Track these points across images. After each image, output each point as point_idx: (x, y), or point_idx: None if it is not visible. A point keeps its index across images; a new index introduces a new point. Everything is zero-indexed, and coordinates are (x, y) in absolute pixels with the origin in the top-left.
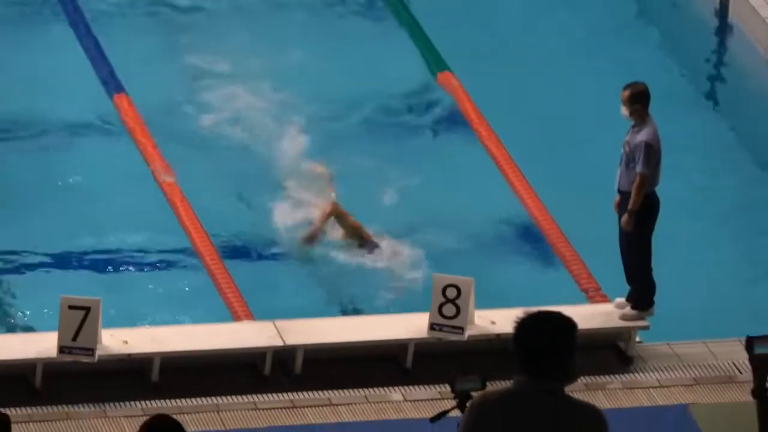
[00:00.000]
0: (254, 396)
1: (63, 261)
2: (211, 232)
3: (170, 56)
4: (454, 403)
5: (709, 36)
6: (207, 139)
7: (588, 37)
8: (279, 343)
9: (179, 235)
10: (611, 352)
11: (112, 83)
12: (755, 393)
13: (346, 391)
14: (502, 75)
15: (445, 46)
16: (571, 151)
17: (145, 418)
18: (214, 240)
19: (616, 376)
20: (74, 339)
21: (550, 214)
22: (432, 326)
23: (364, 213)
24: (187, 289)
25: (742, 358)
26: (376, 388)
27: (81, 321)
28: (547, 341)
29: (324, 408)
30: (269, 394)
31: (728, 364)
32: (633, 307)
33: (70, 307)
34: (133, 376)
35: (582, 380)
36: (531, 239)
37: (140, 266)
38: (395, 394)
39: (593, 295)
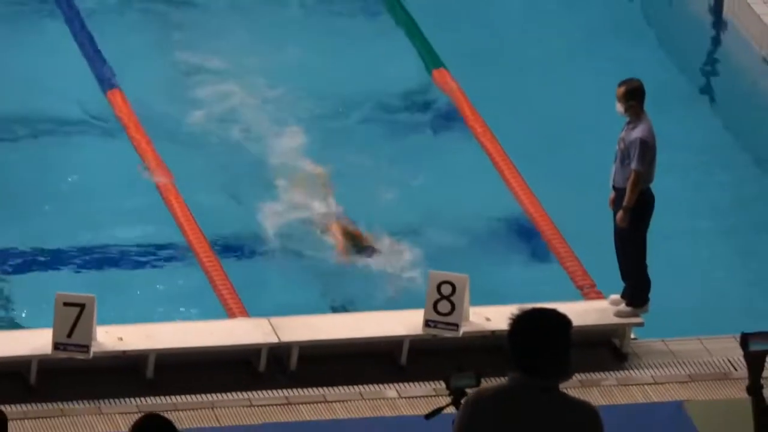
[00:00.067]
0: (249, 393)
1: (58, 258)
2: (206, 229)
3: (165, 53)
4: (449, 399)
5: (704, 33)
6: (203, 137)
7: (584, 34)
8: (274, 339)
9: (174, 232)
10: (606, 349)
11: (107, 80)
12: (750, 390)
13: (341, 387)
14: (497, 72)
15: (441, 43)
16: (567, 147)
17: (140, 415)
18: (209, 236)
19: (611, 372)
20: (69, 336)
21: (545, 211)
22: (427, 323)
23: (360, 210)
24: (182, 285)
25: (737, 354)
26: (370, 385)
27: (76, 318)
28: (541, 338)
29: (319, 405)
30: (264, 391)
31: (723, 360)
32: (628, 304)
33: (65, 304)
34: (128, 373)
35: (577, 377)
36: (526, 236)
37: (135, 263)
38: (390, 391)
39: (588, 291)
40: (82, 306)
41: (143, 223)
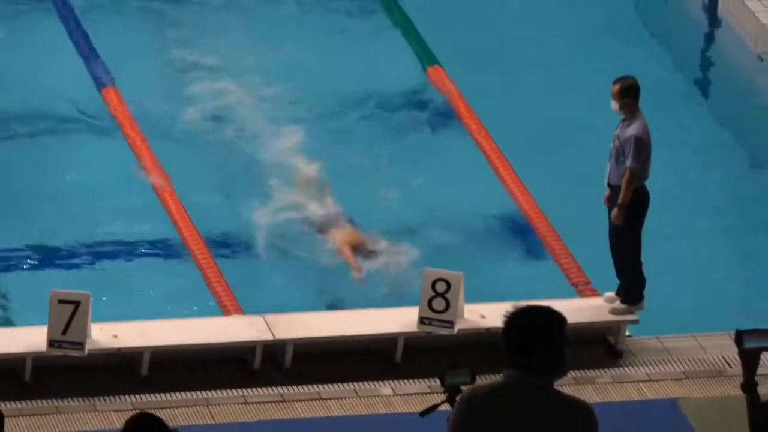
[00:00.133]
0: (244, 390)
1: (53, 255)
2: (201, 227)
3: (161, 51)
4: (443, 397)
5: (698, 30)
6: (198, 135)
7: (579, 32)
8: (269, 337)
9: (169, 229)
10: (601, 346)
11: (102, 78)
12: (745, 387)
13: (335, 385)
14: (492, 69)
15: (438, 41)
16: (562, 145)
17: (134, 412)
18: (204, 234)
19: (606, 370)
20: (64, 333)
21: (540, 208)
22: (422, 320)
23: (355, 208)
24: (176, 283)
25: (732, 352)
26: (365, 383)
27: (71, 315)
28: (536, 336)
29: (314, 402)
30: (259, 388)
31: (718, 358)
32: (622, 301)
33: (60, 302)
34: (122, 371)
35: (571, 374)
36: (521, 233)
37: (130, 260)
38: (385, 388)
39: (583, 289)
40: (77, 303)
41: (138, 221)
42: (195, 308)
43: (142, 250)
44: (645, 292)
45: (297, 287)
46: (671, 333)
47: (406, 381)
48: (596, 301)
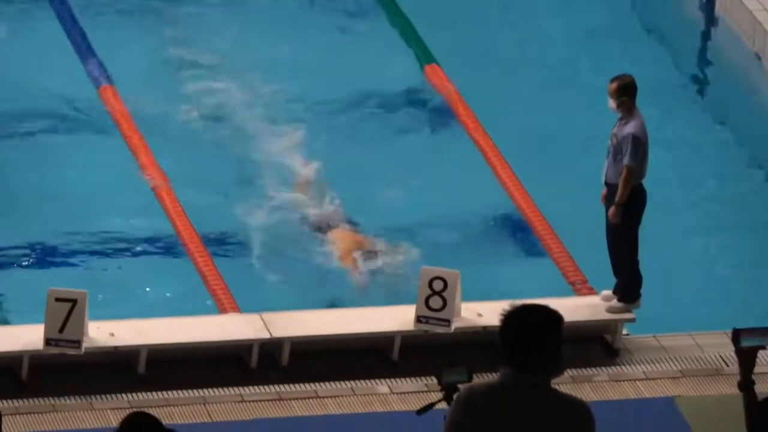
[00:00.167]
0: (241, 388)
1: (49, 253)
2: (198, 225)
3: (159, 49)
4: (440, 395)
5: (695, 29)
6: (196, 134)
7: (577, 31)
8: (266, 335)
9: (166, 228)
10: (598, 345)
11: (98, 76)
12: (742, 386)
13: (332, 383)
14: (490, 69)
15: (436, 39)
16: (559, 143)
17: (131, 411)
18: (201, 233)
19: (603, 368)
20: (61, 331)
21: (537, 207)
22: (418, 319)
23: (352, 207)
24: (173, 281)
25: (729, 350)
26: (362, 381)
27: (67, 313)
28: (533, 334)
29: (311, 400)
30: (256, 387)
31: (715, 356)
32: (619, 300)
33: (57, 300)
34: (119, 369)
35: (568, 373)
36: (518, 231)
37: (127, 259)
38: (382, 386)
39: (580, 287)
40: (73, 301)
41: (135, 219)
42: (192, 306)
43: (140, 249)
44: (642, 291)
45: (294, 286)
46: (668, 331)
47: (403, 379)
48: (593, 300)
